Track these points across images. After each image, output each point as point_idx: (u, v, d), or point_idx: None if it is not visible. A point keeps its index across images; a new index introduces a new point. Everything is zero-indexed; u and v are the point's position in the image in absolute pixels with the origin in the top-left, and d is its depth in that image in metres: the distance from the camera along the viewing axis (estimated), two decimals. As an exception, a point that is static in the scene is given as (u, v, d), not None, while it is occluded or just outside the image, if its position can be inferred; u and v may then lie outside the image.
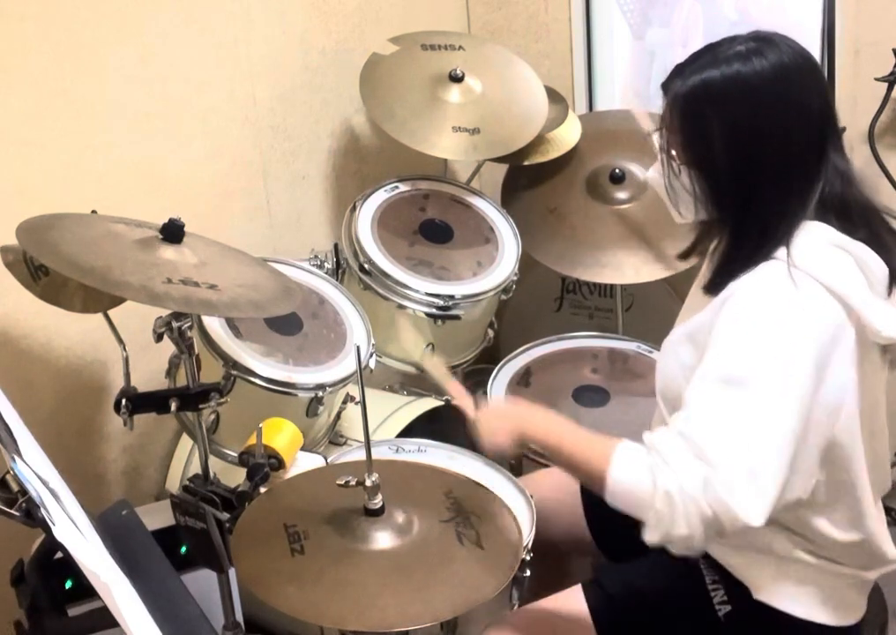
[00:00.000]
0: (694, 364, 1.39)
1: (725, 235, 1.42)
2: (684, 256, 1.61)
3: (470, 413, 1.51)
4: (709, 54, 1.37)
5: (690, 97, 1.36)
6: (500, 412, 1.50)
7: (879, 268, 1.36)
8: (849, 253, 1.35)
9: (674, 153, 1.41)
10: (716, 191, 1.39)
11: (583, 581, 1.57)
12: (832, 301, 1.31)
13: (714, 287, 1.40)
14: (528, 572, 1.65)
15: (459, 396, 1.55)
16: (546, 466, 1.88)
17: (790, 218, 1.35)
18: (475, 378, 2.58)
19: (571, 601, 1.54)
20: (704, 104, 1.36)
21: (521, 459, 2.04)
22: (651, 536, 1.28)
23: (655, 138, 1.46)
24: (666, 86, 1.40)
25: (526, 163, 2.38)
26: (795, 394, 1.28)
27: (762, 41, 1.35)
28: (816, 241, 1.35)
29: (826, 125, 1.38)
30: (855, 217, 1.37)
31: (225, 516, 1.53)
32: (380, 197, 2.27)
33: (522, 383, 2.22)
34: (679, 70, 1.39)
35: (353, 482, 1.36)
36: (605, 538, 1.73)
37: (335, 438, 2.05)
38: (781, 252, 1.34)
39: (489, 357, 2.45)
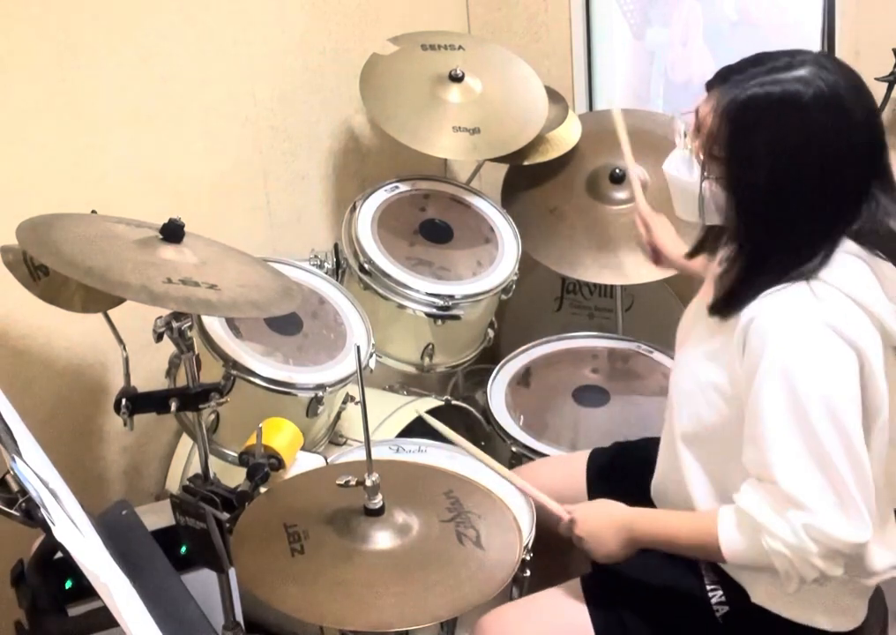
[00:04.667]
0: (720, 383, 1.40)
1: (743, 256, 1.39)
2: (692, 255, 1.61)
3: (563, 517, 1.57)
4: (766, 65, 1.34)
5: (744, 107, 1.33)
6: (601, 523, 1.51)
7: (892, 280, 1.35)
8: (864, 261, 1.34)
9: (706, 157, 1.38)
10: (746, 204, 1.36)
11: (582, 575, 1.57)
12: (855, 309, 1.31)
13: (725, 309, 1.39)
14: (528, 572, 1.65)
15: (547, 501, 1.63)
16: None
17: (825, 247, 1.34)
18: (475, 378, 2.59)
19: (570, 594, 1.54)
20: (757, 116, 1.33)
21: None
22: (793, 589, 1.33)
23: (680, 127, 1.43)
24: (711, 86, 1.37)
25: (526, 163, 2.38)
26: (850, 410, 1.29)
27: (822, 68, 1.32)
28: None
29: (874, 159, 1.35)
30: (882, 247, 1.36)
31: (225, 516, 1.52)
32: (380, 197, 2.27)
33: (522, 383, 2.22)
34: (728, 74, 1.36)
35: (353, 482, 1.36)
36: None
37: (335, 438, 2.05)
38: None
39: (489, 357, 2.45)
